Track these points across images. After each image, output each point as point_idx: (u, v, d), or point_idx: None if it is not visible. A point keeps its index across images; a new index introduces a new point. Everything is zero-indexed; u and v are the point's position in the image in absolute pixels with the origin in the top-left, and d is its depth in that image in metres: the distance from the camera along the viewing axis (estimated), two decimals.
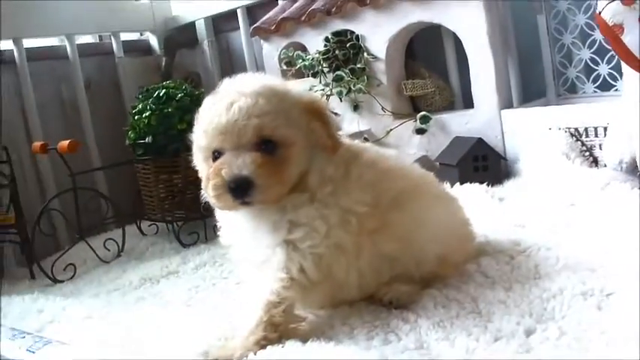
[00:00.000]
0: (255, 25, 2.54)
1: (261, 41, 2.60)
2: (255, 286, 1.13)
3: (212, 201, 1.07)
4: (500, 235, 1.46)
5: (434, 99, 2.36)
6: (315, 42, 2.42)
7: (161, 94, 1.94)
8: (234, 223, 1.17)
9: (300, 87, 1.19)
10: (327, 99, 2.32)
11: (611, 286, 1.10)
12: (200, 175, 1.15)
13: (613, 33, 1.26)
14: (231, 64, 2.90)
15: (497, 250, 1.37)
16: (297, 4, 2.47)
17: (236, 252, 1.21)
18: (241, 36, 2.77)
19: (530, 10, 2.24)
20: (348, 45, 2.31)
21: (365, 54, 2.30)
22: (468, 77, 2.21)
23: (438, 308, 1.10)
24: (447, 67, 2.43)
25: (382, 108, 2.30)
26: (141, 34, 3.07)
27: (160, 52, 2.92)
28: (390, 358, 0.92)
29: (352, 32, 2.33)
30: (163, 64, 2.79)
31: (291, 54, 2.40)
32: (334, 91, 2.30)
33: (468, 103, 2.30)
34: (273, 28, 2.46)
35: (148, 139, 1.90)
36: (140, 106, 1.96)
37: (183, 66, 2.88)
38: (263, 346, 1.02)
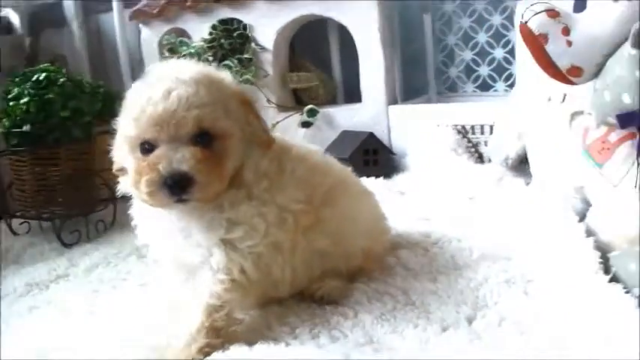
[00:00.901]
0: (135, 8, 2.36)
1: (140, 25, 2.42)
2: (179, 289, 1.04)
3: (142, 197, 0.96)
4: (408, 228, 1.46)
5: (318, 92, 2.34)
6: (199, 29, 2.30)
7: (41, 78, 1.72)
8: (156, 221, 1.05)
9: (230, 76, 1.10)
10: None
11: (530, 273, 1.14)
12: (117, 166, 1.05)
13: (538, 42, 1.29)
14: (101, 48, 2.67)
15: (411, 242, 1.37)
16: None
17: (155, 252, 1.09)
18: (114, 18, 2.55)
19: (416, 9, 2.31)
20: (235, 34, 2.22)
21: (253, 44, 2.23)
22: (351, 71, 2.23)
23: (373, 302, 1.06)
24: (331, 60, 2.43)
25: (267, 100, 2.24)
26: None
27: (22, 31, 2.62)
28: (353, 358, 0.87)
29: (239, 21, 2.25)
30: (27, 44, 2.50)
31: (173, 40, 2.27)
32: None
33: (352, 98, 2.32)
34: (155, 11, 2.30)
35: (26, 128, 1.68)
36: (16, 90, 1.72)
37: (49, 47, 2.61)
38: (207, 354, 0.94)
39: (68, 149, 1.75)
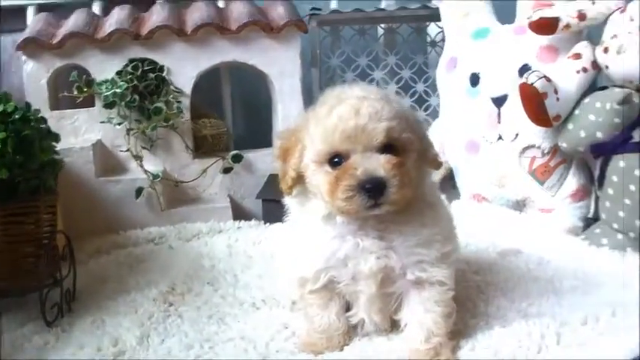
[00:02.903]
0: (28, 36, 1.99)
1: (24, 57, 2.05)
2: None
3: (337, 205, 1.03)
4: None
5: (221, 139, 2.32)
6: (102, 67, 2.08)
7: (11, 111, 1.37)
8: (342, 242, 1.11)
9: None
10: (128, 134, 2.03)
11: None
12: (289, 184, 1.12)
13: (540, 98, 1.72)
14: None
15: None
16: (77, 17, 2.07)
17: (325, 278, 1.14)
18: None
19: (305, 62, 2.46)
20: (154, 76, 2.07)
21: (171, 87, 2.10)
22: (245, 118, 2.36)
23: None
24: (223, 109, 2.43)
25: (186, 146, 2.14)
26: None
27: None
28: None
29: (152, 62, 2.09)
30: None
31: (78, 78, 1.99)
32: (141, 126, 2.03)
33: (255, 143, 2.35)
34: (55, 42, 2.00)
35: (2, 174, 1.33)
36: None
37: None
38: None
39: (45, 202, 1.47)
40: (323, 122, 1.05)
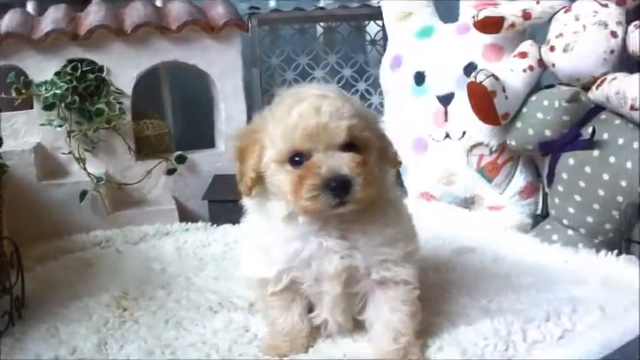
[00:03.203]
0: None
1: None
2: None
3: (301, 205, 1.02)
4: None
5: (163, 140, 2.30)
6: (40, 68, 2.03)
7: None
8: (303, 243, 1.10)
9: None
10: (69, 136, 1.99)
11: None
12: (248, 185, 1.09)
13: (489, 96, 1.75)
14: None
15: None
16: (12, 17, 2.00)
17: (287, 279, 1.13)
18: None
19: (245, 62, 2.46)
20: (93, 76, 2.03)
21: (112, 88, 2.07)
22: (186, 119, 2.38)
23: None
24: (164, 109, 2.42)
25: (129, 148, 2.12)
26: None
27: None
28: None
29: (91, 62, 2.06)
30: None
31: (15, 79, 1.93)
32: (83, 127, 1.99)
33: (196, 144, 2.36)
34: None
35: None
36: None
37: None
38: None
39: None
40: (283, 121, 1.04)
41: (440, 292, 1.40)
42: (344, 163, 1.01)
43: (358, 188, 1.01)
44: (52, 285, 1.62)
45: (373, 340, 1.15)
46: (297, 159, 1.04)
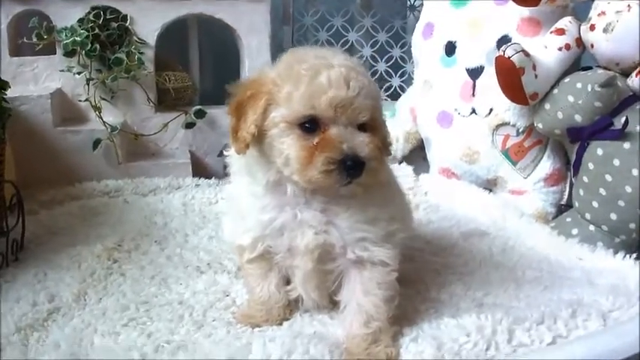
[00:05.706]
0: None
1: None
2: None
3: (312, 174, 0.96)
4: None
5: (186, 93, 2.27)
6: (62, 15, 2.00)
7: None
8: (280, 212, 1.06)
9: None
10: (88, 84, 1.98)
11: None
12: (243, 143, 1.01)
13: (516, 73, 1.63)
14: None
15: None
16: None
17: (261, 247, 1.10)
18: None
19: (277, 19, 2.40)
20: (116, 25, 2.01)
21: (134, 38, 2.05)
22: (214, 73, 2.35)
23: None
24: (190, 62, 2.37)
25: (148, 99, 2.09)
26: None
27: None
28: None
29: (114, 10, 2.03)
30: None
31: (38, 25, 1.93)
32: (101, 75, 1.98)
33: (221, 99, 2.29)
34: None
35: None
36: None
37: None
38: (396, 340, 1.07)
39: None
40: (308, 83, 0.97)
41: (433, 277, 1.34)
42: (365, 143, 0.97)
43: (369, 172, 0.97)
44: (53, 230, 1.63)
45: (343, 323, 1.09)
46: (308, 125, 0.98)
